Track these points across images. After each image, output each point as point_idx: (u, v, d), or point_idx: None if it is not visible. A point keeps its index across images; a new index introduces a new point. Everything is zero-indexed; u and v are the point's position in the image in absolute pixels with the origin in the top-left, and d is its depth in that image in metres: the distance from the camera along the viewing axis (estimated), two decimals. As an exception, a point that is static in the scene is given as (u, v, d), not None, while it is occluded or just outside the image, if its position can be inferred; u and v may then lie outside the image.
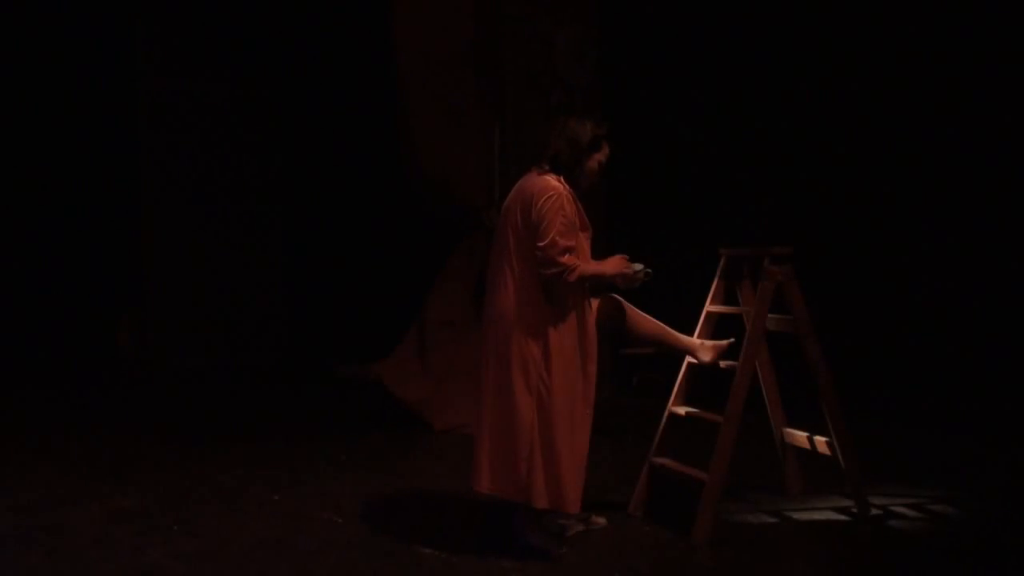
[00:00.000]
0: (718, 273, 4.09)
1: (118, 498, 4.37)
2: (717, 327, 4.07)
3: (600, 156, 3.60)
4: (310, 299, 10.42)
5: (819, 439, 3.95)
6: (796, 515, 3.95)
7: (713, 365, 3.87)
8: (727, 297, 4.10)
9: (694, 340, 3.92)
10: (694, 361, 3.96)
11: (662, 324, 3.81)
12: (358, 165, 9.48)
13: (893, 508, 3.98)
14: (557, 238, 3.36)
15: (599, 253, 3.73)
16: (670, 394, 4.08)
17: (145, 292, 9.56)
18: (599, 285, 3.68)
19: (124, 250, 9.69)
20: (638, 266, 3.62)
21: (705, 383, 4.08)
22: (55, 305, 9.57)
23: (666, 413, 4.05)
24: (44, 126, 9.43)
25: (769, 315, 3.81)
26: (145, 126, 9.44)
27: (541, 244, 3.37)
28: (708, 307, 4.06)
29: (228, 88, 10.01)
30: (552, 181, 3.48)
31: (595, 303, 3.66)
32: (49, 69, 9.36)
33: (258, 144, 10.28)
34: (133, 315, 9.69)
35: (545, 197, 3.41)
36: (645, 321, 3.77)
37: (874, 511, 3.91)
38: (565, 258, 3.36)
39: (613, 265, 3.59)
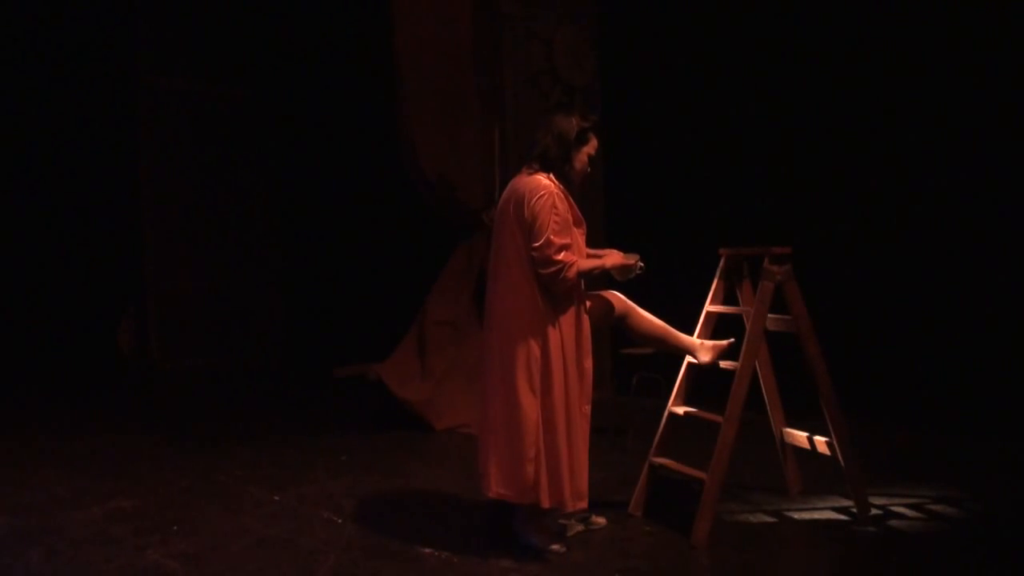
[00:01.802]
0: (718, 273, 4.09)
1: (118, 498, 4.37)
2: (717, 327, 4.07)
3: (588, 149, 3.61)
4: (310, 299, 10.42)
5: (819, 439, 3.95)
6: (796, 515, 3.95)
7: (713, 365, 3.87)
8: (727, 297, 4.10)
9: (694, 340, 3.91)
10: (694, 361, 3.96)
11: (663, 323, 3.81)
12: (358, 165, 9.49)
13: (893, 508, 3.99)
14: (552, 237, 3.37)
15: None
16: (670, 394, 4.08)
17: (145, 292, 9.57)
18: (596, 279, 3.67)
19: (124, 250, 9.69)
20: (633, 257, 3.62)
21: (705, 383, 4.08)
22: (55, 306, 9.58)
23: (666, 413, 4.05)
24: (44, 126, 9.42)
25: (769, 315, 3.81)
26: (144, 126, 9.45)
27: (536, 244, 3.38)
28: (708, 307, 4.06)
29: (228, 88, 10.02)
30: (543, 180, 3.48)
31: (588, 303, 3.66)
32: (49, 69, 9.35)
33: (257, 144, 10.29)
34: (133, 315, 9.69)
35: (536, 197, 3.41)
36: (647, 319, 3.76)
37: (874, 511, 3.91)
38: (562, 256, 3.37)
39: (610, 258, 3.60)
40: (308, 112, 10.19)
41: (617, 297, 3.77)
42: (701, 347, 3.87)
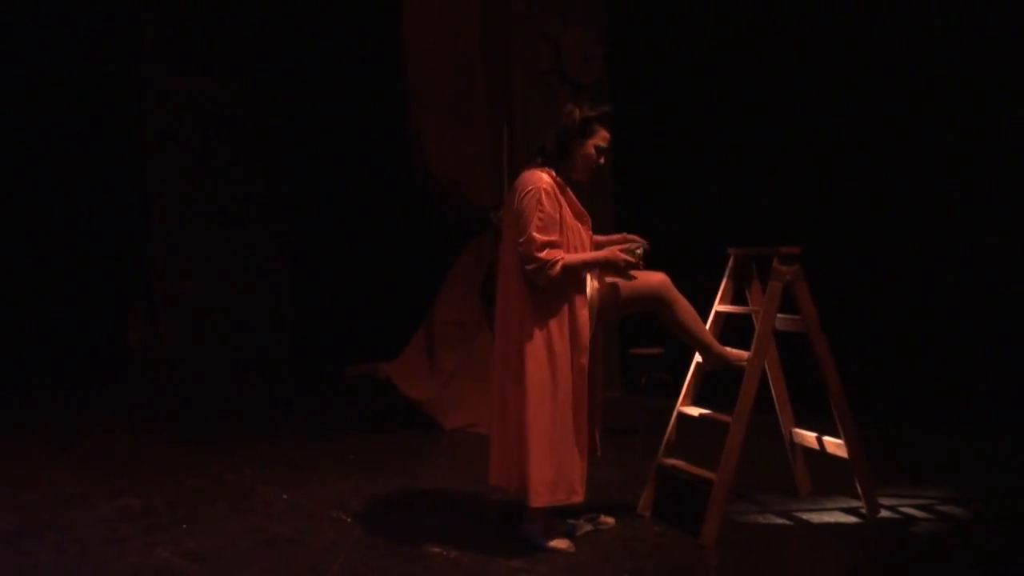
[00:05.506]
0: (727, 273, 4.07)
1: (127, 497, 4.39)
2: (726, 327, 4.06)
3: (595, 141, 3.50)
4: (319, 299, 10.44)
5: (828, 439, 3.94)
6: (805, 516, 3.94)
7: (717, 369, 3.85)
8: (736, 297, 4.09)
9: (721, 349, 3.81)
10: (701, 361, 3.95)
11: (701, 322, 3.76)
12: (365, 164, 9.50)
13: (903, 509, 3.97)
14: (535, 233, 3.33)
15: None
16: (679, 394, 4.07)
17: (153, 290, 9.60)
18: (605, 268, 3.59)
19: (132, 248, 9.73)
20: (637, 244, 3.54)
21: (714, 383, 4.07)
22: (64, 304, 9.62)
23: (675, 413, 4.04)
24: (50, 126, 9.47)
25: (778, 315, 3.80)
26: (151, 126, 9.47)
27: (520, 240, 3.36)
28: (717, 307, 4.05)
29: (234, 88, 10.04)
30: (536, 174, 3.44)
31: (592, 284, 3.59)
32: (55, 69, 9.39)
33: (264, 143, 10.31)
34: (141, 314, 9.72)
35: (524, 192, 3.39)
36: (688, 312, 3.68)
37: (883, 512, 3.89)
38: (544, 253, 3.33)
39: (604, 253, 3.48)
40: (316, 111, 10.21)
41: (667, 283, 3.65)
42: (719, 357, 3.80)
